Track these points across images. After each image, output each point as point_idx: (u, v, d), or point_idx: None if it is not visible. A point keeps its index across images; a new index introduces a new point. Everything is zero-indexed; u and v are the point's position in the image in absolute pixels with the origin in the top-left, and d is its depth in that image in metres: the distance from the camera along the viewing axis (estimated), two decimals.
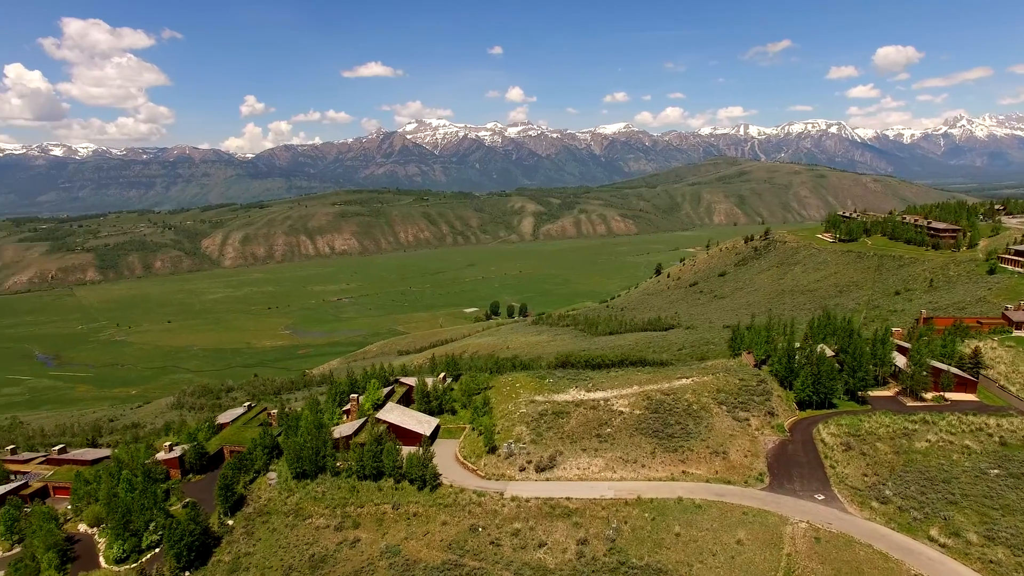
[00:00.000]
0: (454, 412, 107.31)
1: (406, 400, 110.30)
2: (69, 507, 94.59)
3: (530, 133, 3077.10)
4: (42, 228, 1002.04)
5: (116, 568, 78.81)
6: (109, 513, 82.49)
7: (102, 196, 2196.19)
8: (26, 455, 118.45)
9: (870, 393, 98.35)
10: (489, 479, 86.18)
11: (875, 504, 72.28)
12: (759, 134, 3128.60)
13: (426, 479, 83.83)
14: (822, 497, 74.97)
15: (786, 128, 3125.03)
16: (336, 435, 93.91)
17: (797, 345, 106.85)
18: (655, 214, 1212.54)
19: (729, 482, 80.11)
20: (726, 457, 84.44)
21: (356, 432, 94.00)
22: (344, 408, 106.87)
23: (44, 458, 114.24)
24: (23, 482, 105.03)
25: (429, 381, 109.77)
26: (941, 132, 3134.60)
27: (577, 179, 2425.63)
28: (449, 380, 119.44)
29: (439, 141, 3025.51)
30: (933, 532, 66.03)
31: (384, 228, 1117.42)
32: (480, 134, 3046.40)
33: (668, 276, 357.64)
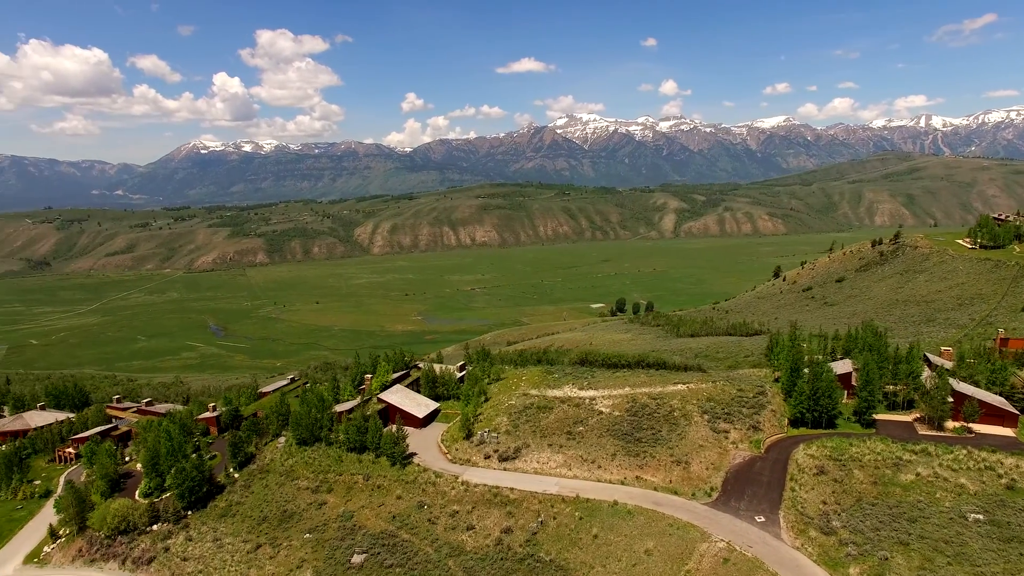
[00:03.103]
0: (459, 398, 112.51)
1: (419, 385, 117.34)
2: (132, 449, 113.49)
3: (682, 128, 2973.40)
4: (227, 215, 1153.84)
5: (142, 500, 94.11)
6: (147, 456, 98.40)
7: (279, 187, 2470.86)
8: (126, 404, 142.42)
9: (881, 416, 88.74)
10: (455, 463, 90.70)
11: (814, 533, 66.82)
12: (944, 125, 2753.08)
13: (395, 456, 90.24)
14: (763, 519, 70.50)
15: (981, 117, 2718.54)
16: (338, 409, 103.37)
17: (818, 358, 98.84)
18: (808, 213, 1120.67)
19: (676, 492, 77.67)
20: (686, 467, 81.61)
21: (352, 409, 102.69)
22: (360, 387, 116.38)
23: (136, 408, 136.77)
24: (113, 425, 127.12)
25: (437, 368, 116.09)
26: None
27: (729, 175, 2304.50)
28: (469, 368, 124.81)
29: (589, 136, 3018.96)
30: (854, 570, 60.16)
31: (524, 221, 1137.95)
32: (630, 129, 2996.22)
33: (784, 280, 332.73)
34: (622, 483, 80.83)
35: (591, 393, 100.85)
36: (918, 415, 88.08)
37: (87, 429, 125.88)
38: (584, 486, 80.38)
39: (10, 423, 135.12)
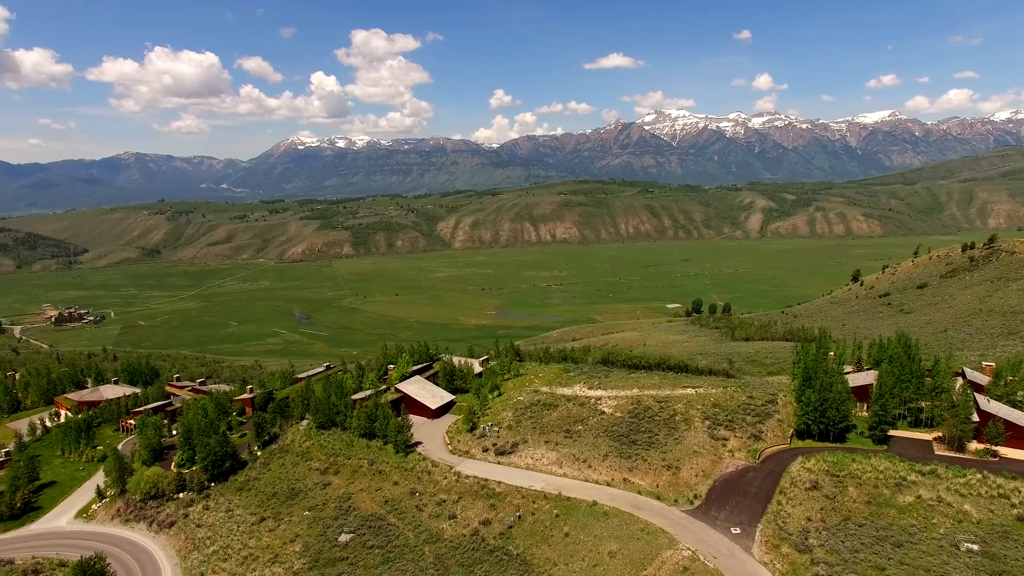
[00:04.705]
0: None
1: (439, 377, 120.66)
2: (178, 424, 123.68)
3: (776, 124, 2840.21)
4: (317, 208, 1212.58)
5: (175, 470, 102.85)
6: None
7: (370, 181, 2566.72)
8: (184, 383, 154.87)
9: (898, 432, 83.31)
10: (454, 454, 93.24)
11: (787, 549, 64.20)
12: None
13: (398, 444, 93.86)
14: (738, 531, 68.35)
15: None
16: (356, 397, 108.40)
17: (835, 367, 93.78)
18: (909, 215, 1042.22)
19: (659, 497, 76.55)
20: (676, 473, 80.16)
21: (367, 397, 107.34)
22: (384, 376, 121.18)
23: (191, 387, 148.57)
24: (168, 401, 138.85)
25: (456, 361, 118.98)
26: None
27: (825, 174, 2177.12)
28: (490, 363, 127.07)
29: (677, 132, 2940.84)
30: None
31: (605, 219, 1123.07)
32: (721, 125, 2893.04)
33: (861, 284, 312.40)
34: (608, 484, 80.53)
35: (598, 393, 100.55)
36: (939, 434, 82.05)
37: (147, 403, 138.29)
38: (570, 484, 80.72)
39: (88, 394, 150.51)
